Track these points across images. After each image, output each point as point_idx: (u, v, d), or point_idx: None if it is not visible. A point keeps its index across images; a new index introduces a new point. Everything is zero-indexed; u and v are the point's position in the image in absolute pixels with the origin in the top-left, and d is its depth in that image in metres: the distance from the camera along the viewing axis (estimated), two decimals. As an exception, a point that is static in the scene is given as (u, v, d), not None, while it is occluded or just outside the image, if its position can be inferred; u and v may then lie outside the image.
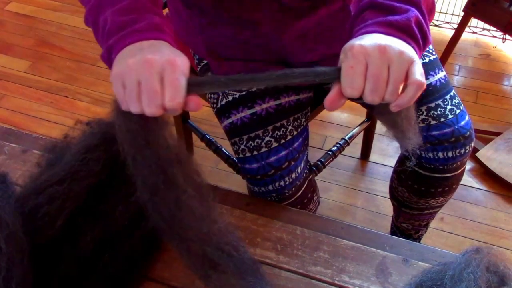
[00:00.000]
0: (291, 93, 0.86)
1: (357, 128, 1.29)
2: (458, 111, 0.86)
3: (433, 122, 0.84)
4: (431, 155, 0.87)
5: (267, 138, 0.83)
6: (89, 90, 1.82)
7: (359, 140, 1.51)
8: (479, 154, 1.55)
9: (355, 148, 1.57)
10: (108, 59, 0.60)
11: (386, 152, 1.61)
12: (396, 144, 0.97)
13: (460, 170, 0.92)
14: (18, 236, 0.61)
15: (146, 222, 0.70)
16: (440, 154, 0.86)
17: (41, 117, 1.73)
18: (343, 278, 0.72)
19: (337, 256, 0.74)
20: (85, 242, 0.67)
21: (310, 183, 0.95)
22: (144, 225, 0.70)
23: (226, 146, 1.08)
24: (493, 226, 1.42)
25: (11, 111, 1.75)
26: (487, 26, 2.00)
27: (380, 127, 1.44)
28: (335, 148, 1.19)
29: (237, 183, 1.36)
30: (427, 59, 0.87)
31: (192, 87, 0.56)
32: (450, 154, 0.86)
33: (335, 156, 1.18)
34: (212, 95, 0.89)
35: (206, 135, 1.23)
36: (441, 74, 0.87)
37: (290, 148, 0.83)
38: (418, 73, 0.55)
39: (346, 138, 1.22)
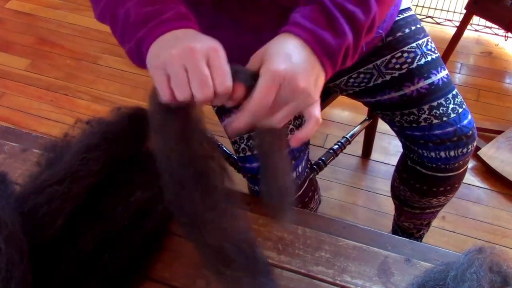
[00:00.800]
0: None
1: (358, 126, 1.28)
2: (460, 110, 0.85)
3: (435, 121, 0.84)
4: (433, 154, 0.87)
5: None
6: (89, 88, 1.82)
7: (360, 138, 1.51)
8: (481, 153, 1.54)
9: (357, 147, 1.57)
10: (138, 52, 0.59)
11: (388, 151, 1.61)
12: (398, 143, 0.97)
13: (462, 169, 0.91)
14: (18, 236, 0.60)
15: (146, 222, 0.70)
16: (442, 153, 0.86)
17: (41, 115, 1.72)
18: (345, 278, 0.71)
19: (338, 255, 0.74)
20: (85, 242, 0.66)
21: (311, 182, 0.95)
22: (144, 225, 0.69)
23: (227, 145, 1.08)
24: (495, 225, 1.41)
25: (11, 110, 1.74)
26: (489, 23, 1.99)
27: (381, 126, 1.43)
28: (336, 146, 1.18)
29: (238, 182, 1.35)
30: (429, 58, 0.86)
31: (235, 75, 0.56)
32: (452, 153, 0.85)
33: (336, 155, 1.17)
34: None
35: (207, 134, 1.23)
36: (444, 73, 0.87)
37: (291, 147, 0.83)
38: (317, 110, 0.58)
39: (347, 136, 1.21)
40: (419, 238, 1.19)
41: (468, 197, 1.48)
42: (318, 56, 0.57)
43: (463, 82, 1.86)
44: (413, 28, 0.87)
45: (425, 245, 0.77)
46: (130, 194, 0.69)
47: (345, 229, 0.77)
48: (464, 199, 1.47)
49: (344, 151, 1.21)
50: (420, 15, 2.12)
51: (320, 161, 1.12)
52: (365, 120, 1.32)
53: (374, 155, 1.60)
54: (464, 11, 1.56)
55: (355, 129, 1.26)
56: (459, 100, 0.86)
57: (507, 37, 1.69)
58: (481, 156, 1.54)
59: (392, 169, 1.08)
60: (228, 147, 1.09)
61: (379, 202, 1.47)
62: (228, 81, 0.54)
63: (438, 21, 2.11)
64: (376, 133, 1.51)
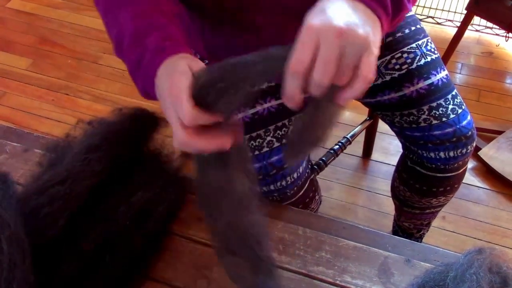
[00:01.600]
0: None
1: (359, 126, 1.29)
2: (460, 110, 0.85)
3: (434, 121, 0.84)
4: (432, 154, 0.87)
5: (268, 138, 0.83)
6: (90, 88, 1.82)
7: (361, 138, 1.51)
8: (481, 153, 1.54)
9: (357, 147, 1.57)
10: (150, 95, 0.61)
11: (388, 151, 1.61)
12: (398, 143, 0.97)
13: (461, 170, 0.91)
14: (20, 236, 0.60)
15: (147, 222, 0.70)
16: (442, 154, 0.86)
17: (42, 115, 1.73)
18: (345, 278, 0.72)
19: (339, 256, 0.74)
20: (87, 242, 0.66)
21: (311, 182, 0.95)
22: (146, 225, 0.69)
23: (228, 145, 1.08)
24: (495, 225, 1.42)
25: (12, 109, 1.75)
26: (489, 24, 1.99)
27: (382, 126, 1.44)
28: (337, 146, 1.18)
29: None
30: (429, 58, 0.86)
31: (196, 98, 0.53)
32: (451, 153, 0.86)
33: (337, 155, 1.17)
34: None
35: (208, 134, 1.23)
36: (443, 74, 0.87)
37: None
38: (367, 64, 0.50)
39: (348, 136, 1.22)
40: (419, 238, 1.19)
41: (468, 197, 1.48)
42: (364, 2, 0.53)
43: (464, 82, 1.86)
44: (413, 28, 0.88)
45: (425, 245, 0.77)
46: (132, 194, 0.69)
47: (346, 229, 0.77)
48: (464, 199, 1.47)
49: (344, 151, 1.22)
50: (421, 15, 2.12)
51: (321, 161, 1.12)
52: (365, 120, 1.32)
53: (375, 155, 1.60)
54: (464, 11, 1.56)
55: (355, 129, 1.26)
56: (458, 100, 0.86)
57: (508, 37, 1.69)
58: (482, 156, 1.54)
59: (393, 169, 1.08)
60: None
61: (380, 202, 1.47)
62: (194, 121, 0.51)
63: (439, 21, 2.11)
64: (377, 133, 1.51)
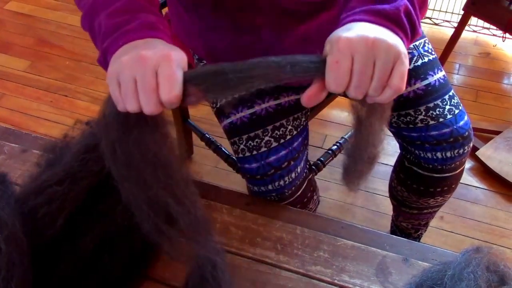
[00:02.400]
0: (291, 92, 0.86)
1: (357, 127, 1.29)
2: (457, 111, 0.86)
3: (431, 122, 0.84)
4: (429, 155, 0.87)
5: (266, 138, 0.83)
6: (88, 89, 1.82)
7: (359, 139, 1.51)
8: (479, 153, 1.55)
9: (355, 147, 1.57)
10: (104, 62, 0.59)
11: (386, 151, 1.61)
12: (396, 144, 0.97)
13: (459, 170, 0.92)
14: (18, 237, 0.61)
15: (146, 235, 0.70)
16: (439, 154, 0.86)
17: (41, 116, 1.72)
18: (343, 277, 0.72)
19: (337, 255, 0.74)
20: (85, 242, 0.67)
21: (310, 182, 0.95)
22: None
23: (226, 145, 1.08)
24: (493, 225, 1.42)
25: (10, 111, 1.74)
26: (487, 24, 2.00)
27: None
28: (335, 147, 1.19)
29: (237, 182, 1.36)
30: (426, 59, 0.87)
31: (190, 80, 0.54)
32: (448, 154, 0.86)
33: (335, 155, 1.18)
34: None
35: (206, 134, 1.23)
36: (440, 74, 0.87)
37: (290, 148, 0.83)
38: (399, 75, 0.53)
39: (346, 137, 1.22)
40: (417, 238, 1.19)
41: (466, 197, 1.48)
42: (383, 25, 0.55)
43: (461, 82, 1.86)
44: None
45: (423, 245, 0.77)
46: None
47: (344, 229, 0.78)
48: (462, 199, 1.48)
49: (342, 151, 1.22)
50: (418, 16, 2.13)
51: (319, 162, 1.13)
52: (363, 120, 1.32)
53: (373, 156, 1.60)
54: (462, 12, 1.57)
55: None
56: (455, 101, 0.87)
57: (505, 38, 1.69)
58: (479, 156, 1.54)
59: (391, 169, 1.08)
60: (227, 148, 1.09)
61: (378, 202, 1.47)
62: (175, 91, 0.52)
63: (436, 22, 2.11)
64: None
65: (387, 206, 1.40)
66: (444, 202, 1.02)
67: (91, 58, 1.94)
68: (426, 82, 0.85)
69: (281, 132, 0.83)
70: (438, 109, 0.84)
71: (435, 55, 0.89)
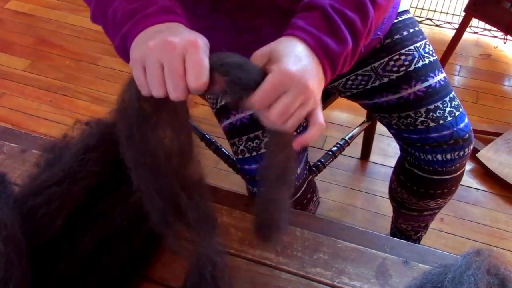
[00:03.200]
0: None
1: (357, 128, 1.29)
2: (457, 113, 0.85)
3: (432, 124, 0.84)
4: (429, 157, 0.87)
5: (266, 139, 0.82)
6: (88, 89, 1.82)
7: (359, 140, 1.51)
8: (479, 155, 1.55)
9: (355, 149, 1.57)
10: (124, 48, 0.59)
11: (387, 153, 1.61)
12: (396, 145, 0.97)
13: (459, 172, 0.91)
14: (17, 237, 0.60)
15: (145, 223, 0.70)
16: (439, 156, 0.86)
17: (41, 116, 1.72)
18: (343, 279, 0.71)
19: (337, 257, 0.74)
20: (84, 242, 0.66)
21: (309, 183, 0.95)
22: (143, 225, 0.69)
23: (226, 146, 1.08)
24: (494, 227, 1.42)
25: (10, 110, 1.74)
26: (488, 26, 1.99)
27: (380, 127, 1.44)
28: (335, 148, 1.18)
29: (237, 183, 1.36)
30: (426, 61, 0.86)
31: (216, 68, 0.55)
32: (449, 156, 0.86)
33: (335, 157, 1.17)
34: (212, 96, 0.88)
35: (206, 135, 1.23)
36: (441, 76, 0.87)
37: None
38: (321, 115, 0.58)
39: (346, 138, 1.22)
40: (417, 240, 1.19)
41: (466, 199, 1.48)
42: (321, 61, 0.58)
43: (462, 84, 1.86)
44: (411, 30, 0.88)
45: (423, 247, 0.77)
46: (129, 195, 0.69)
47: (343, 231, 0.77)
48: (462, 201, 1.47)
49: (343, 153, 1.22)
50: (419, 17, 2.13)
51: (319, 163, 1.12)
52: (364, 122, 1.32)
53: (373, 157, 1.60)
54: (463, 14, 1.57)
55: (354, 131, 1.26)
56: (456, 103, 0.86)
57: (506, 39, 1.69)
58: (480, 158, 1.54)
59: (391, 171, 1.08)
60: (227, 148, 1.09)
61: (378, 204, 1.47)
62: (203, 78, 0.53)
63: (437, 24, 2.11)
64: (375, 135, 1.52)
65: (387, 208, 1.40)
66: (444, 204, 1.02)
67: (91, 58, 1.94)
68: (426, 83, 0.85)
69: (281, 133, 0.83)
70: (438, 111, 0.84)
71: (436, 57, 0.89)
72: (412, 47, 0.86)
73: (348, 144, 1.22)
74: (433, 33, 2.08)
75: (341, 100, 1.18)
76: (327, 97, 1.14)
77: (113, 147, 0.70)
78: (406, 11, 0.90)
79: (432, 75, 0.86)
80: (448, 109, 0.85)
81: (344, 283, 0.71)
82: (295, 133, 0.63)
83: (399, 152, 1.00)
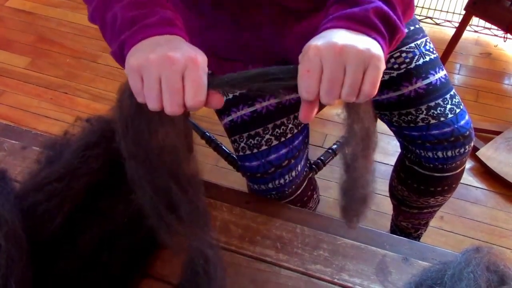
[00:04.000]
0: (292, 91, 0.85)
1: (357, 126, 1.28)
2: (458, 110, 0.85)
3: (432, 121, 0.84)
4: (430, 154, 0.87)
5: (267, 136, 0.83)
6: (89, 87, 1.82)
7: (359, 138, 1.51)
8: (479, 153, 1.55)
9: (355, 146, 1.57)
10: (120, 55, 0.59)
11: (387, 151, 1.61)
12: (397, 143, 0.97)
13: (459, 170, 0.92)
14: (17, 233, 0.60)
15: (146, 220, 0.70)
16: (440, 154, 0.86)
17: (41, 113, 1.72)
18: (343, 276, 0.72)
19: (337, 254, 0.74)
20: (85, 239, 0.67)
21: (310, 181, 0.95)
22: (144, 222, 0.69)
23: (226, 144, 1.08)
24: (493, 225, 1.42)
25: (11, 107, 1.74)
26: (488, 25, 1.99)
27: (380, 125, 1.43)
28: (336, 146, 1.18)
29: (237, 181, 1.36)
30: (427, 58, 0.86)
31: (212, 85, 0.55)
32: (449, 153, 0.86)
33: (336, 154, 1.17)
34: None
35: (206, 133, 1.23)
36: (442, 73, 0.87)
37: (290, 146, 0.83)
38: (369, 81, 0.53)
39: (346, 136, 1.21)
40: (417, 238, 1.19)
41: (466, 197, 1.48)
42: (354, 29, 0.56)
43: (462, 83, 1.86)
44: (411, 28, 0.88)
45: (422, 244, 0.77)
46: (130, 192, 0.69)
47: (343, 228, 0.78)
48: (462, 199, 1.48)
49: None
50: (419, 15, 2.13)
51: (319, 161, 1.12)
52: (364, 120, 1.32)
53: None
54: (463, 12, 1.57)
55: (354, 129, 1.26)
56: (456, 100, 0.87)
57: (506, 38, 1.69)
58: (480, 156, 1.54)
59: (391, 169, 1.08)
60: (227, 146, 1.09)
61: (378, 202, 1.47)
62: (201, 96, 0.53)
63: (438, 22, 2.11)
64: (376, 125, 1.51)
65: (387, 206, 1.40)
66: (444, 201, 1.02)
67: (91, 56, 1.94)
68: (427, 81, 0.85)
69: (281, 130, 0.83)
70: (439, 108, 0.84)
71: (437, 54, 0.89)
72: (412, 45, 0.86)
73: (348, 142, 1.22)
74: (433, 31, 2.08)
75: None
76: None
77: (113, 144, 0.71)
78: (407, 9, 0.90)
79: (433, 72, 0.86)
80: (448, 106, 0.85)
81: (344, 279, 0.71)
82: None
83: (399, 150, 1.00)
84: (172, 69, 0.52)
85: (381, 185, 1.49)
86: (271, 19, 0.75)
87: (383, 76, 0.86)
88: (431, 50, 0.88)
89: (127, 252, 0.69)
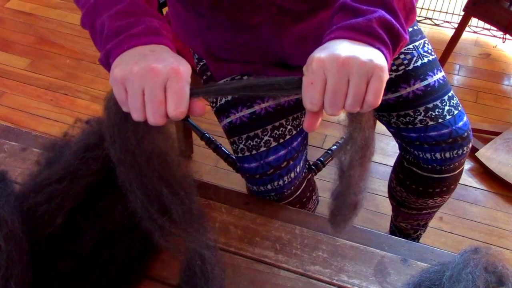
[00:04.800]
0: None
1: (356, 127, 1.28)
2: (456, 112, 0.86)
3: (431, 122, 0.84)
4: (428, 155, 0.87)
5: (266, 138, 0.83)
6: (88, 88, 1.82)
7: (358, 139, 1.51)
8: (478, 154, 1.55)
9: (355, 147, 1.57)
10: (107, 63, 0.60)
11: (386, 152, 1.61)
12: (395, 144, 0.97)
13: (458, 171, 0.92)
14: (17, 234, 0.61)
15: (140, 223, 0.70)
16: (438, 155, 0.86)
17: (41, 114, 1.73)
18: (341, 277, 0.72)
19: (336, 255, 0.74)
20: (84, 240, 0.67)
21: (309, 182, 0.95)
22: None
23: (226, 145, 1.08)
24: (492, 226, 1.42)
25: (10, 109, 1.75)
26: (487, 25, 2.00)
27: (379, 126, 1.44)
28: (335, 147, 1.19)
29: (236, 182, 1.36)
30: (425, 59, 0.87)
31: (195, 95, 0.56)
32: (447, 155, 0.86)
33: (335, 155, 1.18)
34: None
35: (206, 134, 1.23)
36: (440, 75, 0.87)
37: (289, 148, 0.83)
38: (373, 92, 0.54)
39: (344, 136, 1.22)
40: (416, 239, 1.19)
41: (465, 198, 1.48)
42: (358, 39, 0.56)
43: (462, 83, 1.86)
44: (410, 29, 0.88)
45: (421, 245, 0.78)
46: (129, 194, 0.70)
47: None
48: (461, 200, 1.48)
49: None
50: (418, 16, 2.13)
51: (318, 162, 1.13)
52: (363, 121, 1.32)
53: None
54: (462, 13, 1.57)
55: (353, 130, 1.26)
56: (455, 102, 0.87)
57: (505, 39, 1.69)
58: (479, 157, 1.54)
59: (390, 170, 1.08)
60: (227, 147, 1.10)
61: (377, 202, 1.48)
62: (182, 107, 0.54)
63: (437, 23, 2.12)
64: (375, 134, 1.51)
65: (386, 207, 1.40)
66: (443, 202, 1.02)
67: (91, 57, 1.94)
68: (425, 82, 0.85)
69: (280, 132, 0.83)
70: (437, 110, 0.85)
71: (435, 56, 0.90)
72: (411, 46, 0.87)
73: (348, 143, 1.22)
74: (432, 32, 2.08)
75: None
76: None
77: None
78: (405, 10, 0.90)
79: (431, 74, 0.86)
80: (447, 107, 0.85)
81: (343, 281, 0.71)
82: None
83: (398, 151, 1.00)
84: (155, 81, 0.53)
85: (380, 186, 1.50)
86: (269, 20, 0.75)
87: (381, 78, 0.86)
88: (429, 51, 0.89)
89: (126, 252, 0.69)
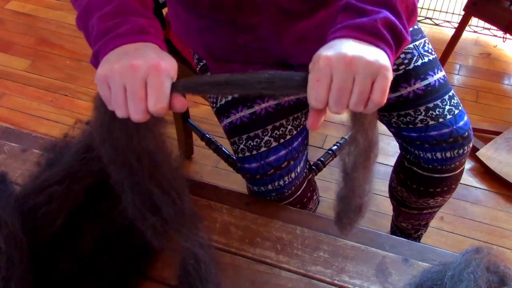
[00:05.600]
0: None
1: (357, 127, 1.28)
2: (456, 111, 0.85)
3: (431, 122, 0.84)
4: (429, 155, 0.87)
5: (266, 138, 0.83)
6: (89, 89, 1.82)
7: (359, 139, 1.51)
8: (479, 153, 1.55)
9: (355, 147, 1.57)
10: (96, 64, 0.61)
11: (386, 151, 1.61)
12: (396, 144, 0.97)
13: (458, 170, 0.92)
14: (18, 236, 0.61)
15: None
16: (439, 155, 0.86)
17: (41, 116, 1.73)
18: (343, 277, 0.72)
19: (337, 255, 0.74)
20: (85, 241, 0.67)
21: (309, 182, 0.95)
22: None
23: (226, 145, 1.08)
24: (493, 226, 1.42)
25: (11, 110, 1.75)
26: (487, 25, 2.00)
27: (380, 126, 1.43)
28: (335, 147, 1.19)
29: (237, 182, 1.36)
30: (426, 59, 0.87)
31: (177, 89, 0.56)
32: (448, 154, 0.86)
33: (335, 155, 1.18)
34: (212, 95, 0.89)
35: (206, 134, 1.23)
36: (440, 74, 0.87)
37: (290, 148, 0.83)
38: (379, 90, 0.54)
39: (346, 137, 1.22)
40: (417, 239, 1.19)
41: (466, 198, 1.48)
42: (363, 39, 0.57)
43: (462, 83, 1.86)
44: (410, 29, 0.88)
45: (422, 245, 0.77)
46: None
47: (343, 229, 0.78)
48: (462, 199, 1.48)
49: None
50: (419, 16, 2.13)
51: (319, 162, 1.13)
52: (363, 121, 1.32)
53: (373, 156, 1.60)
54: (462, 13, 1.57)
55: (353, 130, 1.26)
56: (455, 101, 0.87)
57: (506, 38, 1.69)
58: (480, 157, 1.54)
59: (391, 169, 1.08)
60: (227, 148, 1.09)
61: (378, 202, 1.47)
62: (162, 103, 0.54)
63: (437, 23, 2.11)
64: (378, 136, 1.51)
65: (387, 207, 1.40)
66: (444, 202, 1.02)
67: (91, 58, 1.94)
68: (426, 82, 0.85)
69: (281, 132, 0.83)
70: (438, 109, 0.84)
71: (435, 55, 0.89)
72: (411, 46, 0.87)
73: (348, 143, 1.22)
74: (432, 32, 2.08)
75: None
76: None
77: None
78: (406, 10, 0.90)
79: (432, 73, 0.86)
80: (447, 107, 0.85)
81: (344, 281, 0.71)
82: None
83: (398, 151, 1.00)
84: (134, 77, 0.54)
85: (381, 185, 1.50)
86: (269, 20, 0.75)
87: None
88: (429, 51, 0.88)
89: (127, 253, 0.69)
